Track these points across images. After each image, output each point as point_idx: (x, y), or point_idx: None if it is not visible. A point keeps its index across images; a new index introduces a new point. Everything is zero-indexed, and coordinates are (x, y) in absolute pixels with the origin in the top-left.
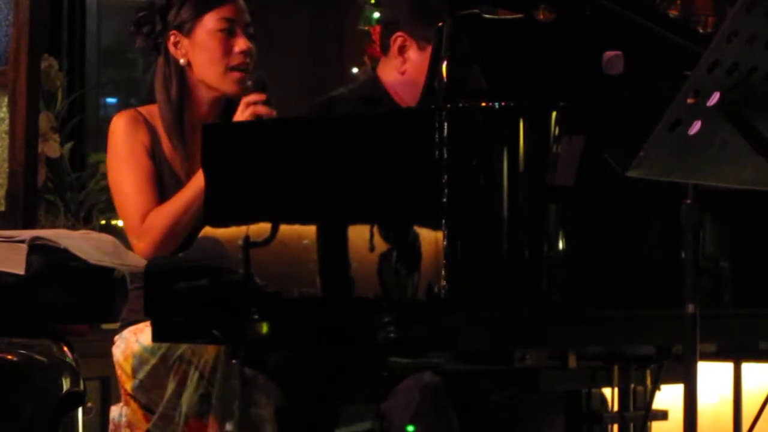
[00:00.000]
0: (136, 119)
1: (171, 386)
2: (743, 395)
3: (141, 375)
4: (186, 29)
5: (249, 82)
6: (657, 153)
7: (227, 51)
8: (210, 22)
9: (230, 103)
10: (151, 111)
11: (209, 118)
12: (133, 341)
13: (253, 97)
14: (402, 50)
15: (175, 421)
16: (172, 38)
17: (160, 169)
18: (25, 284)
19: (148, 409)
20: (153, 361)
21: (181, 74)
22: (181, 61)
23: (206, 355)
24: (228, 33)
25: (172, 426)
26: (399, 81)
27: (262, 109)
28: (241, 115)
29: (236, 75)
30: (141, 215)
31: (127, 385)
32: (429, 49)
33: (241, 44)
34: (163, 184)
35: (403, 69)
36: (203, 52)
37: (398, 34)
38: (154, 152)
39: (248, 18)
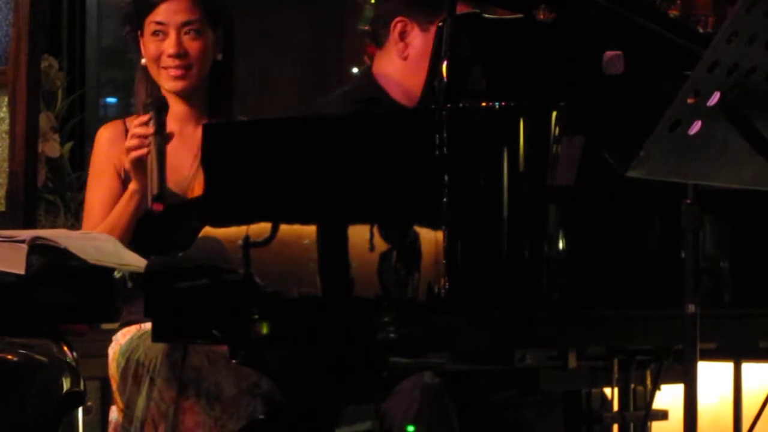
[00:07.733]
0: (117, 133)
1: (130, 389)
2: (743, 395)
3: (118, 377)
4: (142, 31)
5: (148, 101)
6: (657, 153)
7: (159, 54)
8: (147, 26)
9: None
10: None
11: (181, 114)
12: (121, 343)
13: (138, 130)
14: (403, 35)
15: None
16: (141, 38)
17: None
18: (25, 284)
19: None
20: (123, 364)
21: (147, 73)
22: (143, 60)
23: (155, 359)
24: (161, 35)
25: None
26: (399, 69)
27: (137, 152)
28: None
29: (167, 72)
30: (91, 229)
31: (115, 386)
32: (432, 30)
33: (168, 48)
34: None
35: (406, 54)
36: (145, 54)
37: (398, 19)
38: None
39: (189, 17)
